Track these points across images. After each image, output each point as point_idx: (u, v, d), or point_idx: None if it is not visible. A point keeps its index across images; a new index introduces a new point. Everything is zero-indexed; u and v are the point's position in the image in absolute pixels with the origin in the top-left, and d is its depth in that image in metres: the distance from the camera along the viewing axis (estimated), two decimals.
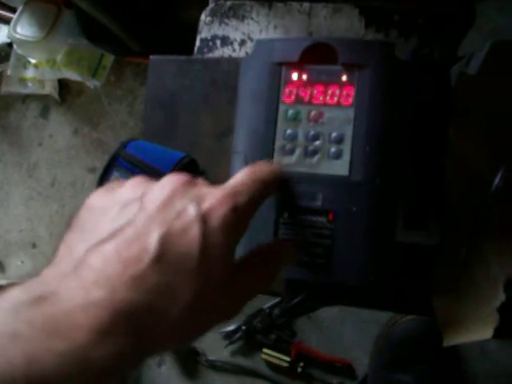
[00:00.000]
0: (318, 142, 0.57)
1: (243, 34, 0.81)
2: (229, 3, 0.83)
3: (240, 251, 0.57)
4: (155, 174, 0.69)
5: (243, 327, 1.30)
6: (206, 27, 0.83)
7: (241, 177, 0.42)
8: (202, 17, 0.84)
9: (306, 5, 0.80)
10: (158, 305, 0.31)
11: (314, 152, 0.57)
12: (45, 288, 0.30)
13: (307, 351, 1.27)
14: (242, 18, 0.82)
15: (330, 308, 1.23)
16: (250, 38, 0.81)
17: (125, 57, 1.54)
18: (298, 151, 0.57)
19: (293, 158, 0.57)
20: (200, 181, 0.40)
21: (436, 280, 0.64)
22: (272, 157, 0.57)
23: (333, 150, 0.56)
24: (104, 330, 0.28)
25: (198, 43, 0.83)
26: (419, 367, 1.08)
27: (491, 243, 0.63)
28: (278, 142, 0.57)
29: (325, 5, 0.79)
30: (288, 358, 1.27)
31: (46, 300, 0.29)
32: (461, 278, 0.64)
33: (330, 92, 0.57)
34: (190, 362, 1.36)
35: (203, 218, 0.34)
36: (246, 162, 0.58)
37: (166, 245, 0.32)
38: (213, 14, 0.83)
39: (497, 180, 0.62)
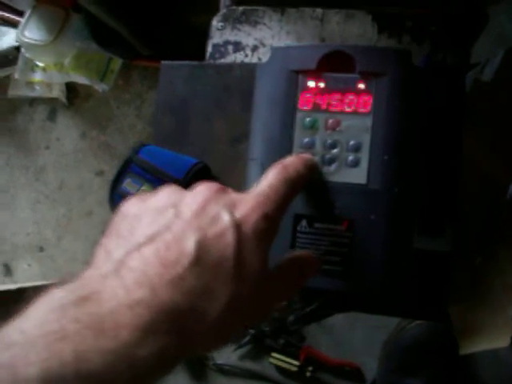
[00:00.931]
0: (335, 150, 0.57)
1: (255, 39, 0.81)
2: (241, 9, 0.83)
3: None
4: (168, 179, 0.70)
5: (251, 331, 1.30)
6: (218, 32, 0.83)
7: (271, 179, 0.43)
8: (214, 22, 0.84)
9: (319, 11, 0.80)
10: (197, 305, 0.33)
11: (332, 160, 0.57)
12: (87, 288, 0.31)
13: (316, 355, 1.27)
14: (255, 24, 0.82)
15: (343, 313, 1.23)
16: (263, 44, 0.81)
17: (133, 60, 1.55)
18: (316, 159, 0.57)
19: None
20: (230, 189, 0.41)
21: (452, 287, 0.64)
22: None
23: (350, 158, 0.56)
24: (148, 329, 0.29)
25: (209, 49, 0.83)
26: (428, 372, 1.07)
27: (507, 251, 0.63)
28: (295, 150, 0.57)
29: (337, 11, 0.79)
30: (297, 363, 1.27)
31: (90, 300, 0.30)
32: (476, 285, 0.64)
33: (347, 100, 0.57)
34: (198, 366, 1.35)
35: (236, 225, 0.36)
36: (263, 169, 0.58)
37: (202, 249, 0.34)
38: (225, 19, 0.83)
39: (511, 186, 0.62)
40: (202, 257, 0.33)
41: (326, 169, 0.57)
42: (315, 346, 1.28)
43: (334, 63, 0.57)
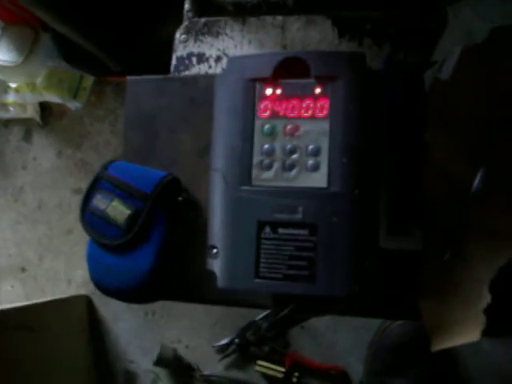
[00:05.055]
0: (295, 156, 0.57)
1: (218, 50, 0.82)
2: (203, 20, 0.84)
3: (226, 266, 0.58)
4: (137, 194, 0.70)
5: (236, 340, 1.30)
6: (182, 45, 0.84)
7: None
8: (177, 35, 0.84)
9: (280, 18, 0.81)
10: None
11: (292, 165, 0.57)
12: None
13: (301, 361, 1.27)
14: (217, 35, 0.82)
15: (322, 317, 1.24)
16: (226, 54, 0.82)
17: (105, 77, 1.55)
18: (276, 165, 0.57)
19: (271, 173, 0.58)
20: None
21: (422, 284, 0.65)
22: (250, 173, 0.58)
23: (310, 162, 0.57)
24: None
25: (174, 62, 0.84)
26: (414, 370, 1.08)
27: (473, 245, 0.64)
28: (256, 158, 0.58)
29: (298, 17, 0.80)
30: (283, 369, 1.27)
31: None
32: (446, 281, 0.65)
33: (304, 105, 0.57)
34: (185, 378, 1.35)
35: None
36: (225, 179, 0.59)
37: None
38: (187, 31, 0.84)
39: (476, 182, 0.63)
40: None
41: (286, 174, 0.57)
42: (300, 351, 1.29)
43: (290, 70, 0.58)
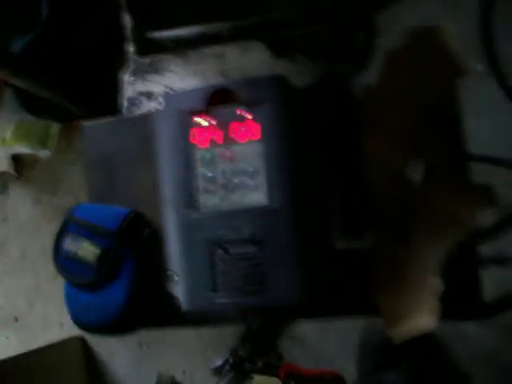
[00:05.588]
0: (236, 179, 0.61)
1: (165, 86, 0.86)
2: (147, 61, 0.88)
3: (186, 289, 0.61)
4: (103, 233, 0.73)
5: (230, 359, 1.32)
6: (131, 86, 0.87)
7: None
8: (126, 78, 0.88)
9: (218, 48, 0.85)
10: None
11: (234, 188, 0.61)
12: None
13: (296, 370, 1.29)
14: (162, 72, 0.86)
15: (308, 324, 1.26)
16: (172, 89, 0.86)
17: (71, 122, 1.58)
18: (220, 190, 0.61)
19: (217, 198, 0.62)
20: None
21: (377, 280, 0.68)
22: (198, 199, 0.62)
23: (251, 183, 0.61)
24: None
25: (125, 103, 0.88)
26: (405, 362, 1.10)
27: (420, 235, 0.67)
28: (201, 185, 0.62)
29: (235, 46, 0.84)
30: (279, 381, 1.29)
31: None
32: (399, 273, 0.68)
33: (238, 131, 0.61)
34: None
35: None
36: (175, 208, 0.63)
37: None
38: (134, 73, 0.88)
39: (416, 175, 0.67)
40: None
41: (230, 197, 0.61)
42: (293, 361, 1.30)
43: (220, 99, 0.62)
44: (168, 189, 0.65)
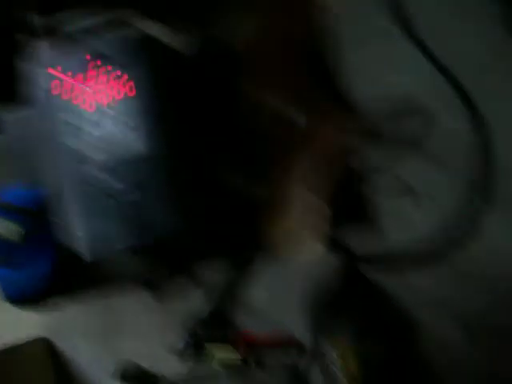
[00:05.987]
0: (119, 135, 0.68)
1: None
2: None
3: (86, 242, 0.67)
4: (27, 213, 0.79)
5: (190, 340, 1.34)
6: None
7: None
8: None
9: None
10: None
11: (119, 142, 0.68)
12: None
13: (252, 340, 1.29)
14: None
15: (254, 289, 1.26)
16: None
17: None
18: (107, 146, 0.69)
19: (104, 152, 0.69)
20: None
21: (264, 209, 0.74)
22: (86, 156, 0.69)
23: (131, 136, 0.68)
24: None
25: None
26: (346, 311, 1.11)
27: (304, 165, 0.73)
28: (88, 143, 0.70)
29: None
30: (239, 356, 1.30)
31: None
32: (285, 208, 0.73)
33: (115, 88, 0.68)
34: None
35: None
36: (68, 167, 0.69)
37: None
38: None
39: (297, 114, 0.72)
40: None
41: (114, 150, 0.68)
42: (248, 329, 1.30)
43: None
44: (61, 152, 0.71)
